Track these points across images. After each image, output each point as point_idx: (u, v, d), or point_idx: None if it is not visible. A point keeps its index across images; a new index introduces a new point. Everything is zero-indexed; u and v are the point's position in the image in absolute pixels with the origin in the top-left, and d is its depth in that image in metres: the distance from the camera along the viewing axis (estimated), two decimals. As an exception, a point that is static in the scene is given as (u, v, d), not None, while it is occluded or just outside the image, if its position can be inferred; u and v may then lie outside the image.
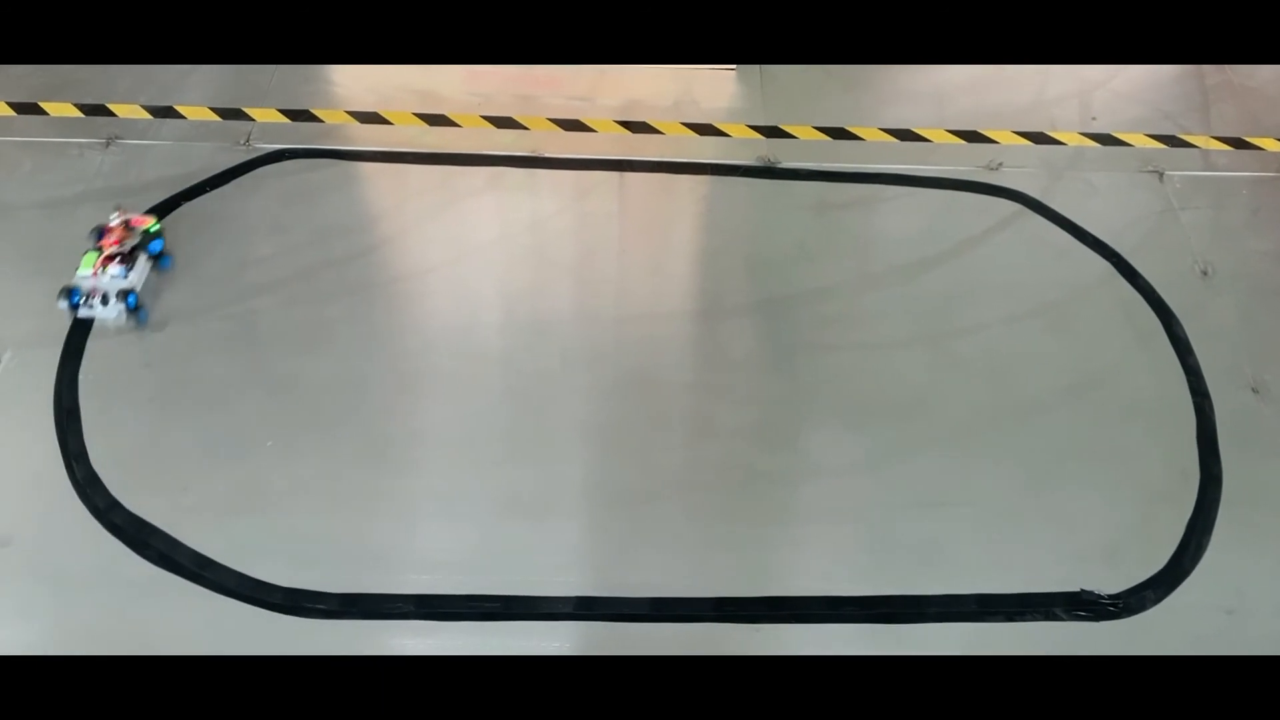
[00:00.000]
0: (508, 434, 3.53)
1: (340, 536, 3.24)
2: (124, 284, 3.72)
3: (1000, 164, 4.51)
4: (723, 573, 3.22)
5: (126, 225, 3.82)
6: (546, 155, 4.46)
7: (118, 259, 3.73)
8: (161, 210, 4.10)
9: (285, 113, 4.53)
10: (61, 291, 3.70)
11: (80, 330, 3.71)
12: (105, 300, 3.69)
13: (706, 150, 4.55)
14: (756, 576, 3.22)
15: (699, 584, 3.19)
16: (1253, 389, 3.76)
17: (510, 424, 3.56)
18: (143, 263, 3.83)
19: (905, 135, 4.66)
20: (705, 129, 4.64)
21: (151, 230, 3.86)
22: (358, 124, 4.54)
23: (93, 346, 3.68)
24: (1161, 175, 4.52)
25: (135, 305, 3.72)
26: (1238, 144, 4.72)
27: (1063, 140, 4.68)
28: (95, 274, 3.70)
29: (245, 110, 4.53)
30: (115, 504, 3.26)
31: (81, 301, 3.70)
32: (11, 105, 4.51)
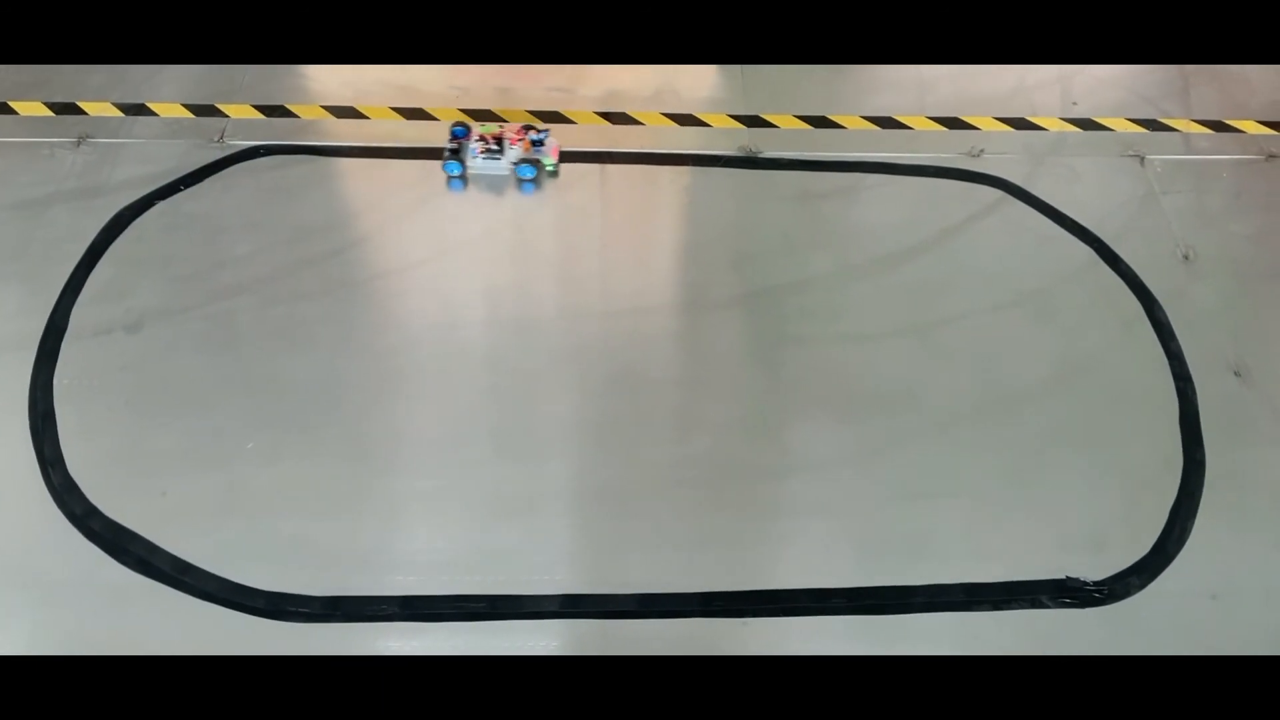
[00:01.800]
0: (492, 432, 3.50)
1: (323, 539, 3.21)
2: (468, 161, 4.25)
3: (982, 151, 4.49)
4: (710, 567, 3.21)
5: (539, 144, 4.27)
6: (527, 148, 4.42)
7: (489, 148, 4.22)
8: (136, 209, 4.04)
9: (260, 108, 4.47)
10: (460, 124, 4.31)
11: (55, 334, 3.65)
12: (451, 154, 4.24)
13: (688, 141, 4.51)
14: (744, 570, 3.21)
15: (686, 579, 3.18)
16: (1235, 373, 3.77)
17: (494, 422, 3.53)
18: (501, 166, 4.25)
19: (887, 123, 4.64)
20: (686, 119, 4.60)
21: (546, 165, 4.27)
22: (334, 119, 4.48)
23: (68, 349, 3.63)
24: (1143, 160, 4.52)
25: (453, 173, 4.23)
26: (1218, 127, 4.72)
27: (1044, 126, 4.67)
28: (472, 138, 4.28)
29: (219, 107, 4.46)
30: (93, 510, 3.22)
31: (462, 139, 4.29)
32: (-20, 105, 4.43)
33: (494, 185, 4.25)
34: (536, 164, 4.24)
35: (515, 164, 4.24)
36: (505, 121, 4.38)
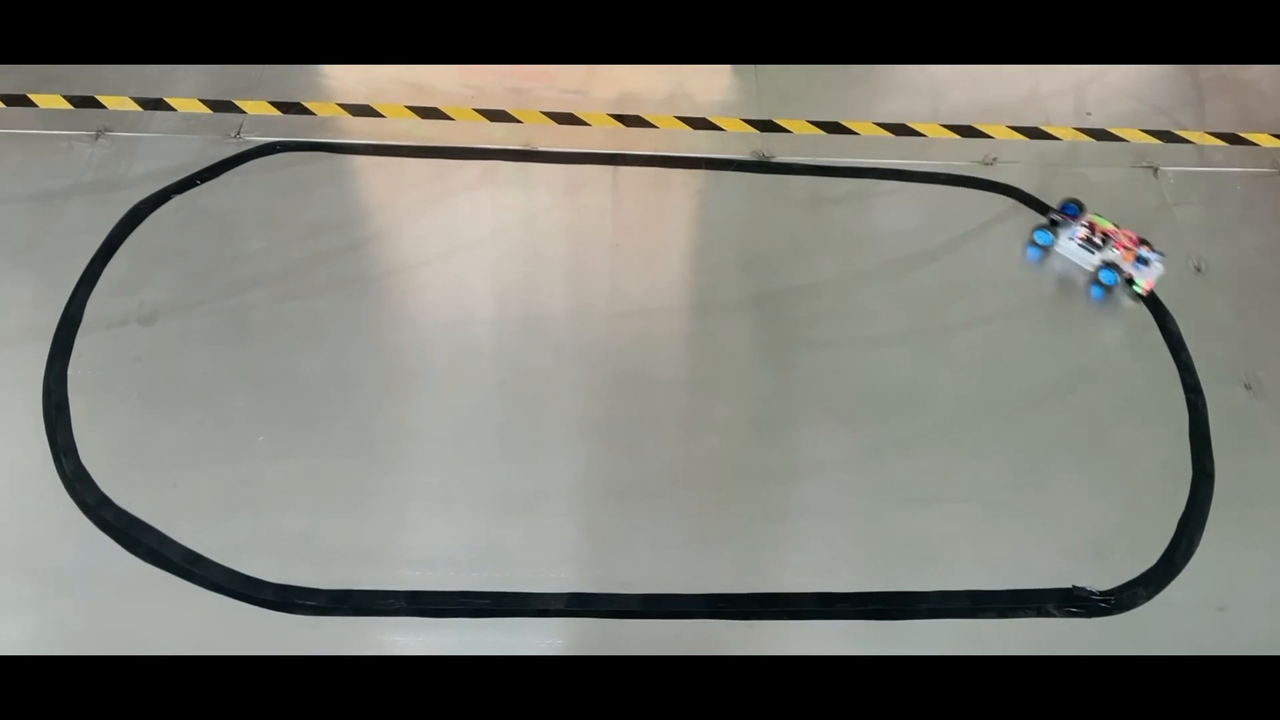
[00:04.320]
0: (500, 430, 3.52)
1: (331, 532, 3.23)
2: (1061, 239, 4.08)
3: (995, 159, 4.50)
4: (715, 569, 3.22)
5: (1142, 261, 3.91)
6: (539, 149, 4.44)
7: (1090, 239, 3.98)
8: (152, 203, 4.07)
9: (276, 105, 4.50)
10: (1072, 202, 4.11)
11: (70, 325, 3.68)
12: (1049, 225, 4.09)
13: (701, 144, 4.52)
14: (749, 573, 3.22)
15: (691, 580, 3.19)
16: (1246, 385, 3.76)
17: (502, 420, 3.55)
18: (1089, 260, 3.99)
19: (900, 130, 4.64)
20: (699, 123, 4.62)
21: (1135, 285, 3.90)
22: (349, 117, 4.51)
23: (82, 341, 3.66)
24: (1156, 171, 4.51)
25: (1041, 241, 4.08)
26: (1232, 139, 4.72)
27: (1057, 135, 4.67)
28: (1081, 219, 4.04)
29: (236, 103, 4.50)
30: (104, 500, 3.24)
31: (1071, 216, 4.08)
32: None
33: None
34: (1121, 275, 3.93)
35: (1101, 265, 3.96)
36: (1115, 227, 4.06)
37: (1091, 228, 4.03)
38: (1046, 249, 4.10)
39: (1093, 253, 3.98)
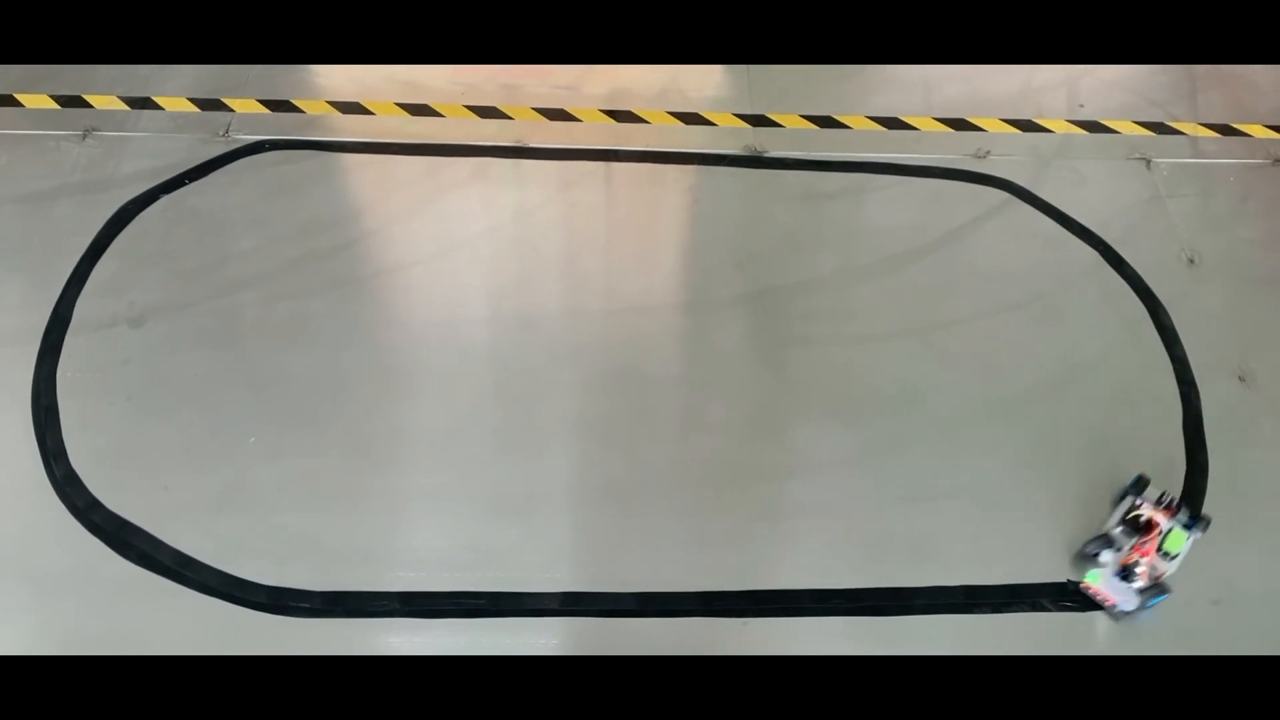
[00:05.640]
0: (494, 429, 3.50)
1: (324, 534, 3.21)
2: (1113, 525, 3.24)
3: (988, 152, 4.48)
4: (710, 567, 3.21)
5: (1151, 568, 3.12)
6: (532, 145, 4.42)
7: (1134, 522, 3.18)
8: (141, 203, 4.04)
9: (265, 103, 4.47)
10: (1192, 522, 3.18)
11: (59, 327, 3.66)
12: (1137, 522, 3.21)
13: (693, 140, 4.51)
14: (744, 571, 3.21)
15: (686, 578, 3.18)
16: (1239, 377, 3.76)
17: (496, 419, 3.53)
18: (1113, 555, 3.18)
19: (893, 124, 4.63)
20: (692, 118, 4.60)
21: (1092, 574, 3.15)
22: (340, 114, 4.49)
23: (71, 343, 3.63)
24: (1149, 163, 4.50)
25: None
26: (1226, 131, 4.71)
27: (1050, 128, 4.66)
28: (1150, 504, 3.22)
29: (224, 101, 4.46)
30: (95, 503, 3.22)
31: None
32: (-14, 97, 4.44)
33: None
34: (1096, 557, 3.18)
35: (1101, 538, 3.21)
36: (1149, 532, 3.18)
37: (1152, 522, 3.18)
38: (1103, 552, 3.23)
39: (1109, 552, 3.19)
